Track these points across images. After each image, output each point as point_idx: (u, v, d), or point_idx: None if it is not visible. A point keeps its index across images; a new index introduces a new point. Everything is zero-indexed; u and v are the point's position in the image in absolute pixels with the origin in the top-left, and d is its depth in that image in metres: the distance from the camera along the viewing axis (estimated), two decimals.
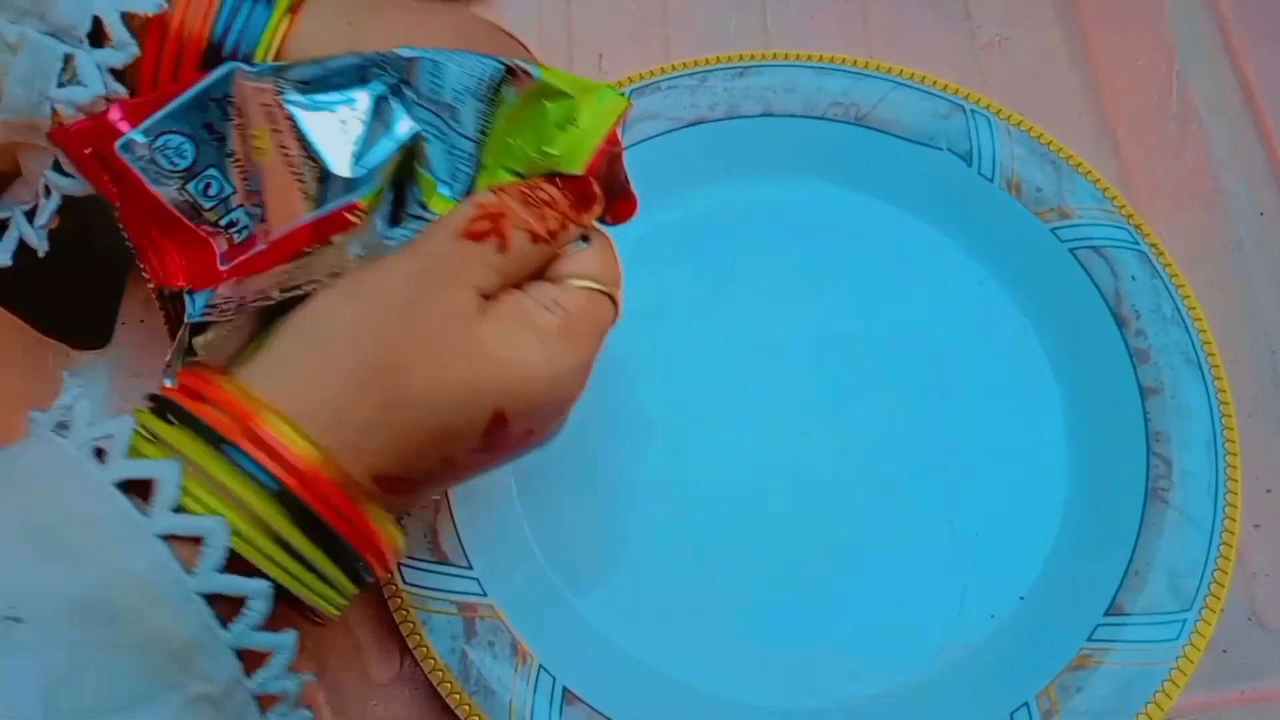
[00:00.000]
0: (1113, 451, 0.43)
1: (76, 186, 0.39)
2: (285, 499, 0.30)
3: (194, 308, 0.33)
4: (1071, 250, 0.46)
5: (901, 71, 0.50)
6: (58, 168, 0.38)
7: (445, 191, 0.34)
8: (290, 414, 0.30)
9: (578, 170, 0.33)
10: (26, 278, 0.53)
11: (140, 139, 0.33)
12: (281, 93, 0.33)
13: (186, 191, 0.33)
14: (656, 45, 0.54)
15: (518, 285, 0.33)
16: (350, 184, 0.33)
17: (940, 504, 0.43)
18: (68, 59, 0.36)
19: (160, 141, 0.33)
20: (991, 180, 0.48)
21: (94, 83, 0.36)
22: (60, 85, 0.36)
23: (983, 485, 0.43)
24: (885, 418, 0.45)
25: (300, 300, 0.32)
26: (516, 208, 0.32)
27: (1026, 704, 0.39)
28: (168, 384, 0.32)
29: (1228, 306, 0.46)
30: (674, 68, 0.51)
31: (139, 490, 0.28)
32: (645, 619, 0.42)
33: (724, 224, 0.49)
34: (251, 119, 0.33)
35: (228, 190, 0.34)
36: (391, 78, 0.34)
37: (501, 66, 0.34)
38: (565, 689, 0.40)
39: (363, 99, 0.33)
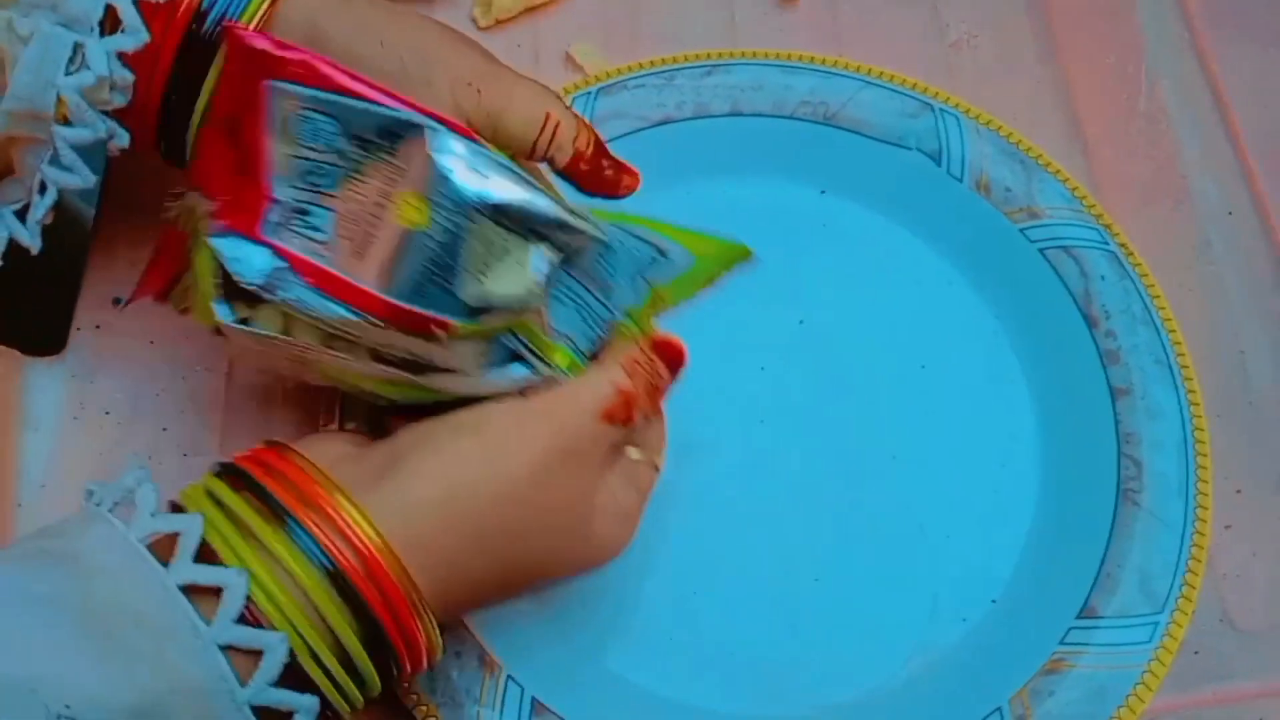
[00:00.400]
0: (1083, 453, 0.43)
1: (76, 180, 0.38)
2: (338, 580, 0.30)
3: (250, 268, 0.32)
4: (1041, 250, 0.46)
5: (870, 70, 0.50)
6: (55, 162, 0.38)
7: (566, 346, 0.34)
8: (398, 546, 0.31)
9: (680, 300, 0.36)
10: None
11: (296, 92, 0.31)
12: (454, 186, 0.31)
13: (293, 162, 0.32)
14: (623, 42, 0.54)
15: None
16: (454, 301, 0.31)
17: (911, 507, 0.43)
18: (77, 47, 0.36)
19: (310, 114, 0.32)
20: (961, 180, 0.47)
21: (100, 67, 0.36)
22: (68, 74, 0.36)
23: (954, 488, 0.43)
24: (854, 420, 0.45)
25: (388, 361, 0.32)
26: (643, 392, 0.34)
27: (1000, 709, 0.39)
28: (120, 303, 0.33)
29: (1197, 306, 0.46)
30: (640, 66, 0.50)
31: (201, 590, 0.28)
32: (613, 627, 0.42)
33: (691, 223, 0.49)
34: (412, 179, 0.31)
35: (328, 188, 0.32)
36: (557, 254, 0.32)
37: (655, 251, 0.35)
38: (534, 699, 0.40)
39: (521, 252, 0.32)
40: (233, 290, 0.33)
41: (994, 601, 0.41)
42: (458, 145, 0.31)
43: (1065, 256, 0.45)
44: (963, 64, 0.53)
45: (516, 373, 0.33)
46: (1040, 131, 0.49)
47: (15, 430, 0.46)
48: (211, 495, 0.31)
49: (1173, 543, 0.41)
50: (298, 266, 0.32)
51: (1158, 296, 0.45)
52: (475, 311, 0.31)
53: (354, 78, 0.31)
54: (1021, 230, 0.46)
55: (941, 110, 0.48)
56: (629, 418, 0.34)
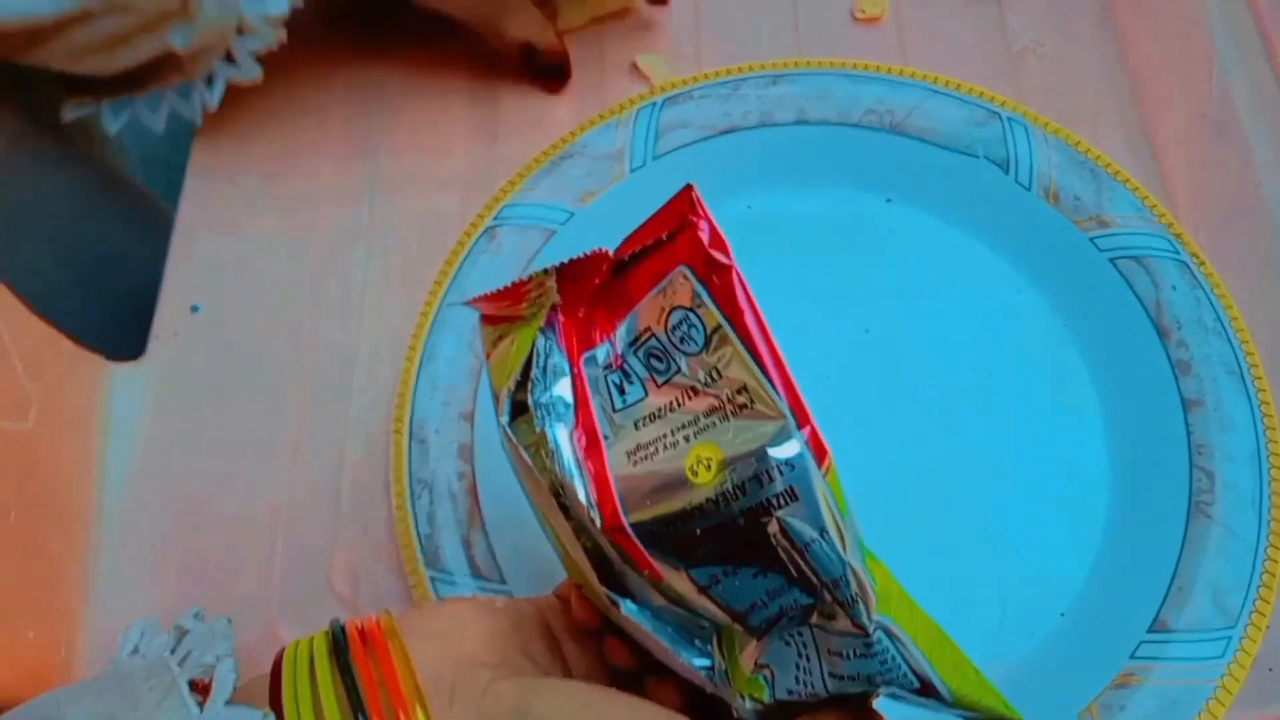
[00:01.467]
0: (1154, 464, 0.42)
1: (243, 76, 0.47)
2: None
3: (544, 378, 0.30)
4: (1111, 260, 0.45)
5: (936, 79, 0.49)
6: (227, 60, 0.47)
7: (763, 680, 0.29)
8: None
9: None
10: (63, 290, 0.54)
11: (698, 293, 0.29)
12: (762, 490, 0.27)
13: (650, 333, 0.29)
14: (688, 53, 0.54)
15: None
16: (679, 560, 0.28)
17: (979, 517, 0.43)
18: None
19: (692, 317, 0.29)
20: (1029, 188, 0.47)
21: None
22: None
23: (1022, 498, 0.43)
24: (923, 428, 0.44)
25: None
26: None
27: None
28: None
29: (1270, 317, 0.46)
30: (706, 76, 0.51)
31: None
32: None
33: (757, 232, 0.49)
34: (729, 441, 0.28)
35: (659, 376, 0.29)
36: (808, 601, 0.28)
37: (917, 684, 0.29)
38: None
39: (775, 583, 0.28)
40: (522, 384, 0.31)
41: (1063, 614, 0.41)
42: (794, 451, 0.27)
43: (1136, 266, 0.45)
44: (1029, 72, 0.52)
45: (698, 661, 0.30)
46: (1108, 140, 0.49)
47: (98, 434, 0.47)
48: (310, 663, 0.30)
49: (1246, 556, 0.40)
50: (579, 415, 0.30)
51: (1230, 307, 0.44)
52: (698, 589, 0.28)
53: (761, 328, 0.29)
54: (1091, 239, 0.46)
55: (1009, 118, 0.48)
56: None
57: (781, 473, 0.26)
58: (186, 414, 0.47)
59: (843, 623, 0.28)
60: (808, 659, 0.29)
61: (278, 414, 0.47)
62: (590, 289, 0.31)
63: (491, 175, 0.50)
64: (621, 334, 0.30)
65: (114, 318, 0.54)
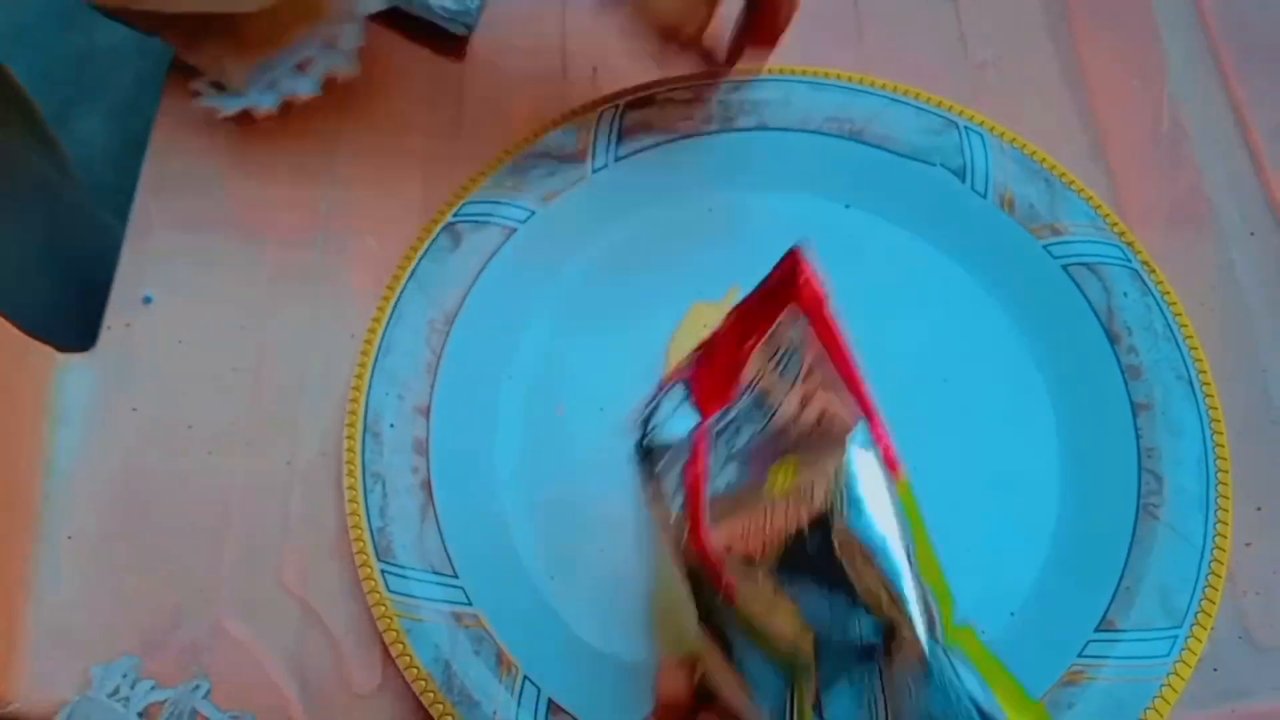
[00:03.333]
0: (1104, 467, 0.43)
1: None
2: None
3: (669, 423, 0.31)
4: (1064, 266, 0.46)
5: (896, 88, 0.50)
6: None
7: None
8: None
9: None
10: (10, 278, 0.53)
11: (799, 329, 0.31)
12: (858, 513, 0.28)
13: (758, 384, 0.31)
14: (649, 59, 0.54)
15: None
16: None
17: (930, 517, 0.43)
18: None
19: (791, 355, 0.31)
20: (985, 196, 0.48)
21: None
22: None
23: (974, 500, 0.43)
24: None
25: None
26: None
27: None
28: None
29: (1219, 324, 0.46)
30: (670, 81, 0.51)
31: None
32: (633, 630, 0.42)
33: (716, 236, 0.49)
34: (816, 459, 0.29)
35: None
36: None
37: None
38: (550, 700, 0.40)
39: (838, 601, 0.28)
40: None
41: (1013, 614, 0.41)
42: (870, 461, 0.28)
43: (1088, 273, 0.46)
44: (987, 85, 0.53)
45: (769, 707, 0.29)
46: (1063, 153, 0.50)
47: (46, 424, 0.46)
48: None
49: (1192, 558, 0.41)
50: (692, 457, 0.31)
51: (1180, 314, 0.45)
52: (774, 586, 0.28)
53: (847, 355, 0.30)
54: (1045, 246, 0.46)
55: (966, 127, 0.49)
56: None
57: (847, 479, 0.27)
58: (136, 406, 0.47)
59: (907, 652, 0.27)
60: (873, 703, 0.28)
61: (229, 407, 0.47)
62: (730, 348, 0.32)
63: (452, 172, 0.50)
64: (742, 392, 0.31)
65: (67, 310, 0.53)
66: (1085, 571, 0.41)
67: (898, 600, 0.26)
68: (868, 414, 0.29)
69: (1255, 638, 0.41)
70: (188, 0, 0.43)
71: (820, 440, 0.28)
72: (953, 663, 0.27)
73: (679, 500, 0.30)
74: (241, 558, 0.44)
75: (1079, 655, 0.40)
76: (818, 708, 0.28)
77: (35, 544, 0.44)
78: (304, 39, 0.46)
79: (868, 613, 0.27)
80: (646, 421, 0.34)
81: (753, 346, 0.32)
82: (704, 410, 0.32)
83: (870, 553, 0.27)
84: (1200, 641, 0.39)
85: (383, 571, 0.41)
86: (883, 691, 0.27)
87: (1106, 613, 0.40)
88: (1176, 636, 0.39)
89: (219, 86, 0.49)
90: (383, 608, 0.41)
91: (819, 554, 0.27)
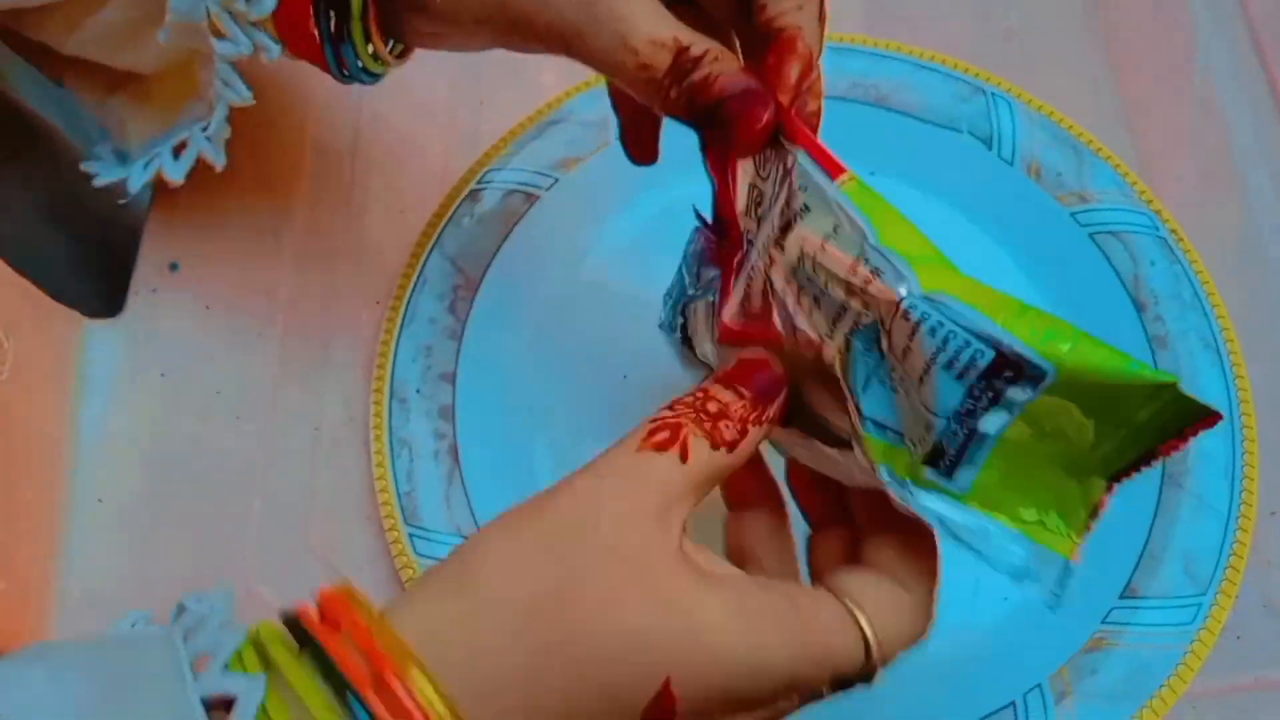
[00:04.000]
0: None
1: (235, 96, 0.39)
2: None
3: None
4: (1091, 234, 0.46)
5: (922, 54, 0.50)
6: (222, 80, 0.39)
7: (876, 435, 0.28)
8: (432, 663, 0.25)
9: None
10: (34, 242, 0.53)
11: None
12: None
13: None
14: None
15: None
16: None
17: None
18: None
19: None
20: (1011, 163, 0.47)
21: None
22: None
23: None
24: None
25: None
26: (691, 418, 0.29)
27: (1039, 685, 0.39)
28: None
29: (1247, 292, 0.46)
30: None
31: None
32: None
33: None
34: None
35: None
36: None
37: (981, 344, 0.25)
38: None
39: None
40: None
41: None
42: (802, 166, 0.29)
43: (1115, 241, 0.45)
44: (1014, 51, 0.53)
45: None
46: (1091, 119, 0.49)
47: (74, 390, 0.46)
48: (264, 657, 0.26)
49: (1217, 526, 0.41)
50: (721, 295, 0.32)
51: (1207, 282, 0.45)
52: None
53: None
54: (1072, 214, 0.46)
55: (994, 94, 0.49)
56: (678, 441, 0.28)
57: (798, 190, 0.29)
58: (163, 371, 0.47)
59: (895, 317, 0.26)
60: (889, 379, 0.28)
61: (255, 372, 0.47)
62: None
63: (475, 140, 0.50)
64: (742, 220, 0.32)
65: (94, 276, 0.53)
66: (1109, 539, 0.41)
67: (864, 269, 0.27)
68: (810, 146, 0.30)
69: (1279, 607, 0.41)
70: (78, 44, 0.40)
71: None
72: (936, 305, 0.26)
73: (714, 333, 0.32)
74: (269, 522, 0.44)
75: (1102, 622, 0.40)
76: (861, 416, 0.28)
77: (65, 508, 0.44)
78: (185, 115, 0.42)
79: (850, 299, 0.28)
80: (679, 308, 0.35)
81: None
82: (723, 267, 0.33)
83: (821, 237, 0.28)
84: (1224, 609, 0.39)
85: (410, 535, 0.42)
86: (892, 368, 0.28)
87: (1130, 580, 0.40)
88: (1200, 604, 0.39)
89: (121, 156, 0.45)
90: (410, 571, 0.41)
91: (799, 265, 0.29)
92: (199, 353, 0.47)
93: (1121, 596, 0.40)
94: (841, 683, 0.28)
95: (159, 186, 0.50)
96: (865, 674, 0.28)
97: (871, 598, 0.28)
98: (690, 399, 0.29)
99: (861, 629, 0.28)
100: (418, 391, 0.44)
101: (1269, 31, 0.52)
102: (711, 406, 0.29)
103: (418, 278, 0.46)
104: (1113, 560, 0.41)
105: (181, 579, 0.43)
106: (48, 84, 0.47)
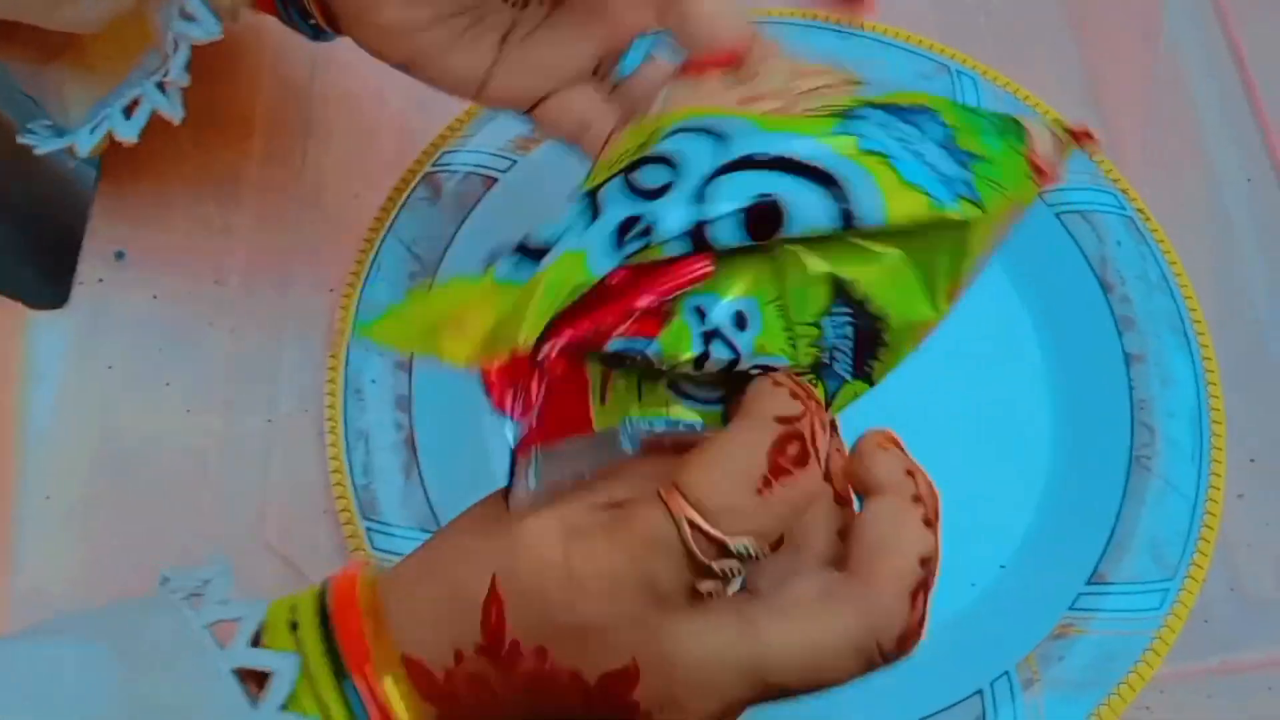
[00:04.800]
0: (1096, 418, 0.42)
1: (200, 32, 0.37)
2: None
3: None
4: (1057, 214, 0.45)
5: (887, 31, 0.49)
6: (183, 15, 0.37)
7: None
8: (407, 647, 0.27)
9: None
10: None
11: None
12: None
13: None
14: None
15: None
16: None
17: None
18: None
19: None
20: None
21: None
22: None
23: (964, 452, 0.43)
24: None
25: None
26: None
27: (1007, 673, 0.39)
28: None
29: (1214, 273, 0.46)
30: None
31: (258, 679, 0.27)
32: None
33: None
34: None
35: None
36: None
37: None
38: None
39: None
40: None
41: (1003, 567, 0.41)
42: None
43: (1081, 221, 0.45)
44: (980, 29, 0.52)
45: None
46: (1058, 98, 0.49)
47: (19, 382, 0.45)
48: (292, 625, 0.28)
49: (1184, 510, 0.40)
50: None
51: (1174, 262, 0.44)
52: None
53: None
54: (1038, 194, 0.45)
55: (959, 72, 0.48)
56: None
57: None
58: (111, 363, 0.46)
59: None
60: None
61: (206, 364, 0.46)
62: None
63: (431, 121, 0.49)
64: None
65: (37, 266, 0.52)
66: (1076, 524, 0.41)
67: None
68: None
69: (1246, 590, 0.41)
70: (12, 6, 0.38)
71: None
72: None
73: None
74: (222, 516, 0.43)
75: (1070, 608, 0.39)
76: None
77: (12, 505, 0.43)
78: (136, 71, 0.39)
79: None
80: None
81: None
82: None
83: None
84: (1191, 594, 0.39)
85: (367, 529, 0.41)
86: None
87: (1098, 565, 0.40)
88: (1168, 589, 0.39)
89: (57, 132, 0.43)
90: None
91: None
92: (148, 344, 0.46)
93: (1088, 582, 0.40)
94: (700, 573, 0.25)
95: (103, 170, 0.49)
96: (702, 558, 0.25)
97: (688, 465, 0.25)
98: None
99: (666, 503, 0.25)
100: (373, 382, 0.43)
101: (1235, 11, 0.52)
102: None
103: (372, 264, 0.45)
104: (1080, 546, 0.40)
105: (132, 576, 0.42)
106: None
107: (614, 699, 0.26)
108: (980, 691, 0.39)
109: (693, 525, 0.24)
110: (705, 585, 0.25)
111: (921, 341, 0.28)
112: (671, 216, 0.25)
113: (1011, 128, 0.28)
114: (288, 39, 0.50)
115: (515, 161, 0.47)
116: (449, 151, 0.47)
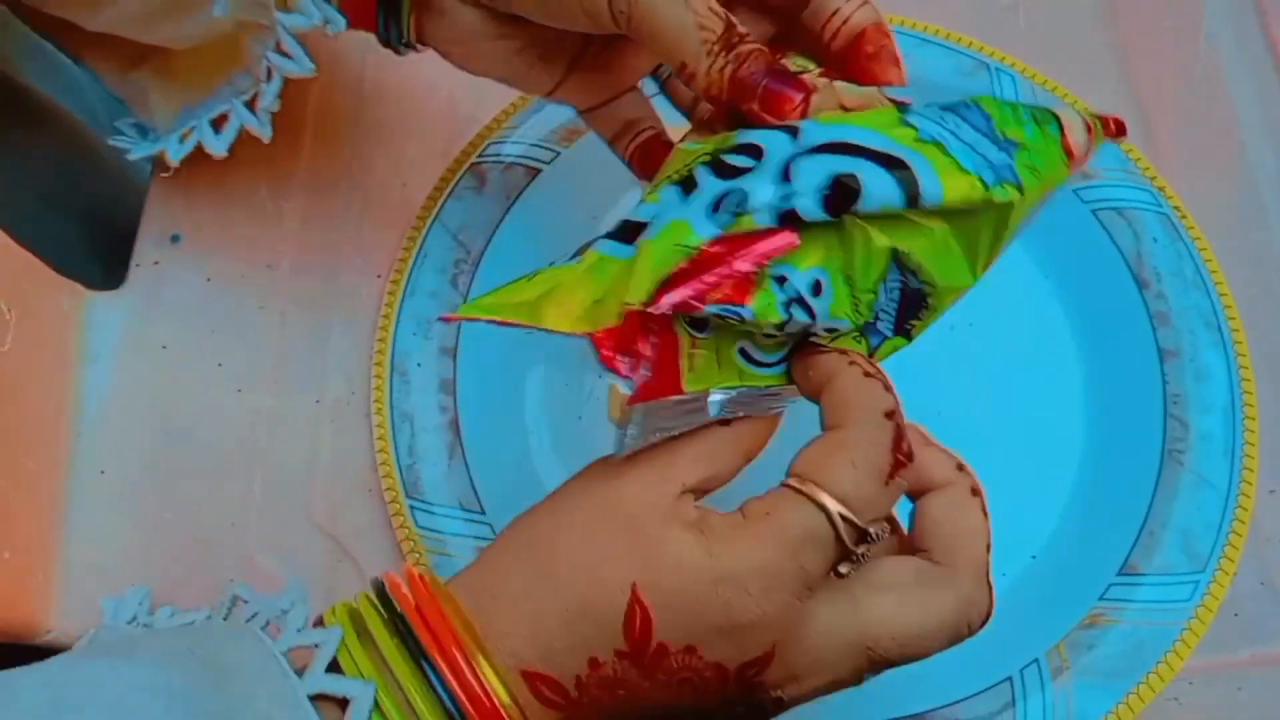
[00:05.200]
0: (1130, 412, 0.43)
1: (296, 68, 0.40)
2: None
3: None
4: (1094, 211, 0.46)
5: (926, 27, 0.49)
6: (278, 49, 0.39)
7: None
8: (491, 640, 0.29)
9: None
10: (35, 214, 0.53)
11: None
12: None
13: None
14: None
15: None
16: None
17: None
18: None
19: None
20: None
21: None
22: None
23: (998, 442, 0.43)
24: (901, 374, 0.44)
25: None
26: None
27: (1037, 661, 0.39)
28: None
29: (1249, 271, 0.46)
30: None
31: (334, 703, 0.28)
32: None
33: None
34: None
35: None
36: None
37: None
38: None
39: None
40: None
41: (1034, 557, 0.42)
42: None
43: (1118, 218, 0.45)
44: (1018, 27, 0.52)
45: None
46: (1095, 95, 0.49)
47: (75, 362, 0.47)
48: (355, 619, 0.30)
49: (1216, 503, 0.41)
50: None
51: (1210, 260, 0.44)
52: None
53: None
54: (1074, 190, 0.46)
55: (997, 69, 0.48)
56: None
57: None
58: (165, 343, 0.47)
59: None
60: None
61: (257, 345, 0.47)
62: None
63: (477, 112, 0.50)
64: None
65: (96, 248, 0.53)
66: (1108, 515, 0.41)
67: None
68: None
69: (1277, 584, 0.42)
70: (107, 21, 0.40)
71: None
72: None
73: None
74: (271, 494, 0.44)
75: (1100, 598, 0.40)
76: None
77: (68, 480, 0.45)
78: (225, 87, 0.42)
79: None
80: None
81: None
82: None
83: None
84: (1222, 587, 0.40)
85: (411, 508, 0.42)
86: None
87: (1129, 557, 0.40)
88: (1199, 581, 0.40)
89: (142, 130, 0.45)
90: (411, 543, 0.41)
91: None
92: (201, 325, 0.47)
93: (1120, 573, 0.40)
94: (842, 558, 0.28)
95: (160, 158, 0.50)
96: (850, 545, 0.28)
97: (824, 463, 0.28)
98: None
99: (814, 499, 0.27)
100: (419, 365, 0.44)
101: (1275, 8, 0.52)
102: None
103: (419, 251, 0.46)
104: (1111, 537, 0.41)
105: (183, 550, 0.44)
106: (58, 62, 0.47)
107: (749, 682, 0.28)
108: (1010, 678, 0.39)
109: (842, 517, 0.27)
110: (844, 568, 0.28)
111: (954, 303, 0.32)
112: (761, 190, 0.28)
113: (1046, 116, 0.31)
114: (341, 34, 0.52)
115: (559, 153, 0.48)
116: (495, 142, 0.48)
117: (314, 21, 0.38)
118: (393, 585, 0.30)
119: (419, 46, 0.39)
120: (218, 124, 0.42)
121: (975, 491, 0.31)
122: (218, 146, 0.42)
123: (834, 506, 0.27)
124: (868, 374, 0.29)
